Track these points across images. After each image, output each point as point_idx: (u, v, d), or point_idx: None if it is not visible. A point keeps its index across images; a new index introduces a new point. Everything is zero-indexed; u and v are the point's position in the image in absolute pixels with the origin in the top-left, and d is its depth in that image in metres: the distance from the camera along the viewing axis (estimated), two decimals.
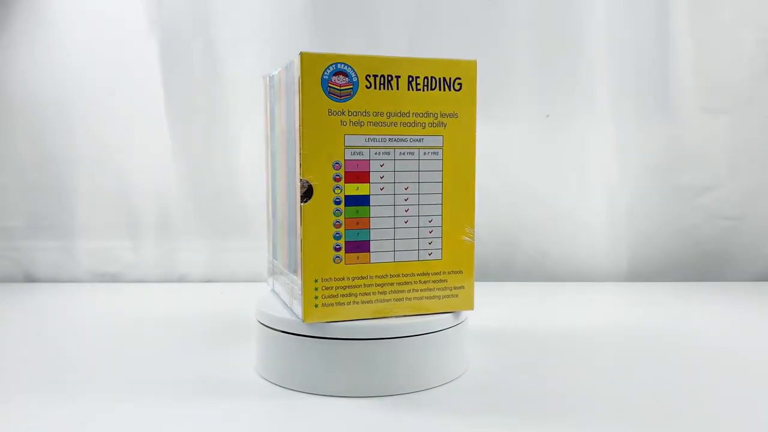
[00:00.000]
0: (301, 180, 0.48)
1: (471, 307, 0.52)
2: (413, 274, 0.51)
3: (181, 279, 0.94)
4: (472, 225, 0.51)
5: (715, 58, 0.89)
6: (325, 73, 0.47)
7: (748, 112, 0.90)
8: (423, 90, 0.49)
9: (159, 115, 0.91)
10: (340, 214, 0.49)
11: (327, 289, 0.49)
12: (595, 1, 0.88)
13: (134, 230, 0.93)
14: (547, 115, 0.91)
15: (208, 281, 0.94)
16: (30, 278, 0.94)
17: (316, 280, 0.48)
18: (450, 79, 0.49)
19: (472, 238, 0.51)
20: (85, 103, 0.91)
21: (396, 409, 0.46)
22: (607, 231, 0.93)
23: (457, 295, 0.52)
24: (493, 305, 0.74)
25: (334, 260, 0.49)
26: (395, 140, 0.49)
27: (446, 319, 0.51)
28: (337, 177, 0.48)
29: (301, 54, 0.47)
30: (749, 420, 0.45)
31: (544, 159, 0.92)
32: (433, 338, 0.50)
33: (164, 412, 0.46)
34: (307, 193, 0.48)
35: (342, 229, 0.49)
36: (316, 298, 0.48)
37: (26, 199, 0.93)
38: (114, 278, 0.94)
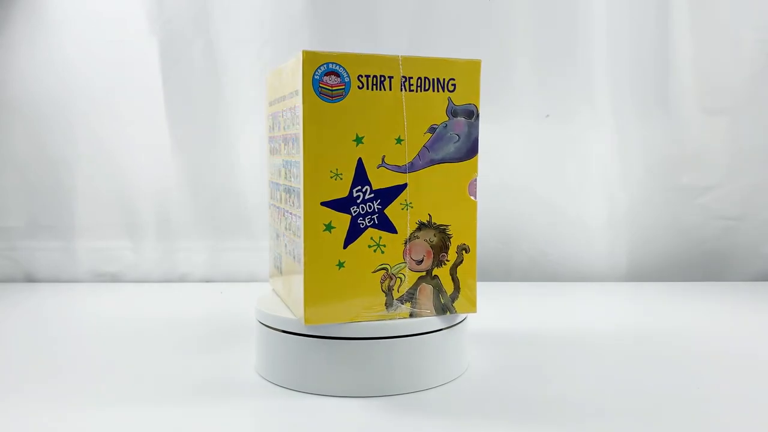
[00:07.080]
0: None
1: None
2: None
3: (181, 279, 0.94)
4: None
5: (715, 58, 0.89)
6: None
7: (748, 112, 0.90)
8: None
9: (159, 115, 0.91)
10: None
11: None
12: (595, 2, 0.88)
13: (134, 230, 0.93)
14: (547, 115, 0.91)
15: (208, 281, 0.94)
16: (30, 278, 0.94)
17: None
18: None
19: None
20: (85, 103, 0.91)
21: (396, 409, 0.46)
22: (607, 231, 0.93)
23: None
24: (492, 305, 0.74)
25: None
26: None
27: (445, 320, 0.51)
28: None
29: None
30: (750, 419, 0.45)
31: (544, 159, 0.92)
32: (432, 338, 0.50)
33: (164, 411, 0.46)
34: None
35: None
36: None
37: (26, 199, 0.92)
38: (114, 278, 0.94)
